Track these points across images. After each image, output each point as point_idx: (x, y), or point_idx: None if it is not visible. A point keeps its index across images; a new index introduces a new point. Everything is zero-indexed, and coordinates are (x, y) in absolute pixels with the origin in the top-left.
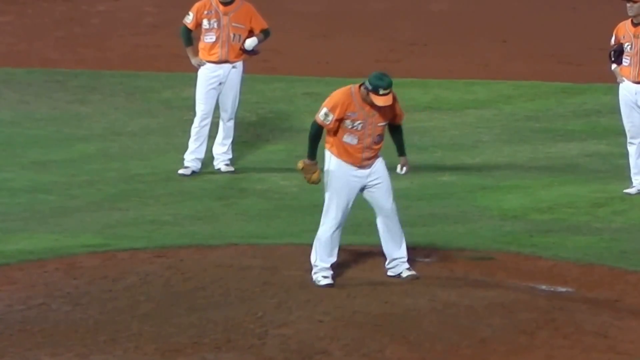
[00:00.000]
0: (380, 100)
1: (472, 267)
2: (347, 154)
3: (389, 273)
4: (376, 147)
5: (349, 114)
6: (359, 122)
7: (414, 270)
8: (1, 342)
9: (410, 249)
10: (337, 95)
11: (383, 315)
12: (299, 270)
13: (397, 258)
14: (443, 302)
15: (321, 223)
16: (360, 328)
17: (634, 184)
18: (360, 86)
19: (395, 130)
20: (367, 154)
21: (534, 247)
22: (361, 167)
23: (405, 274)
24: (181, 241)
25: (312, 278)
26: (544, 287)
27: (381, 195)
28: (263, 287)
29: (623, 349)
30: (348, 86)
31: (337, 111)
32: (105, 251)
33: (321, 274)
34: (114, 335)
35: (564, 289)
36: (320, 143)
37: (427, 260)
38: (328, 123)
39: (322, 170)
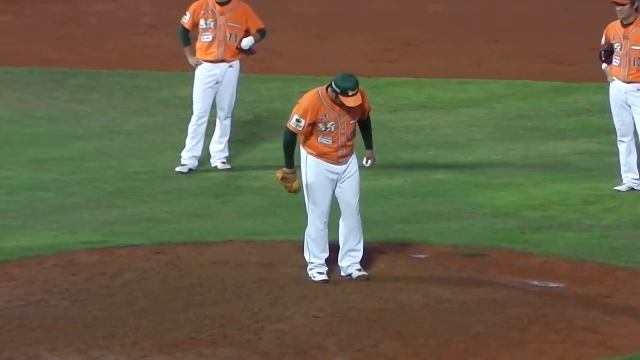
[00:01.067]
0: (350, 101)
1: (465, 263)
2: (323, 154)
3: (342, 273)
4: (349, 143)
5: (320, 117)
6: (331, 123)
7: (405, 266)
8: (0, 337)
9: (404, 246)
10: (306, 100)
11: (377, 311)
12: (294, 266)
13: (352, 250)
14: (436, 298)
15: (309, 221)
16: (355, 323)
17: (624, 182)
18: (327, 88)
19: (363, 124)
20: (342, 152)
21: (525, 243)
22: (338, 164)
23: (355, 274)
24: (178, 238)
25: (307, 274)
26: (535, 283)
27: (350, 190)
28: (259, 284)
29: (613, 344)
30: (315, 90)
31: (309, 116)
32: (103, 248)
33: (316, 270)
34: (112, 331)
35: (555, 285)
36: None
37: (420, 256)
38: (301, 129)
39: (299, 167)
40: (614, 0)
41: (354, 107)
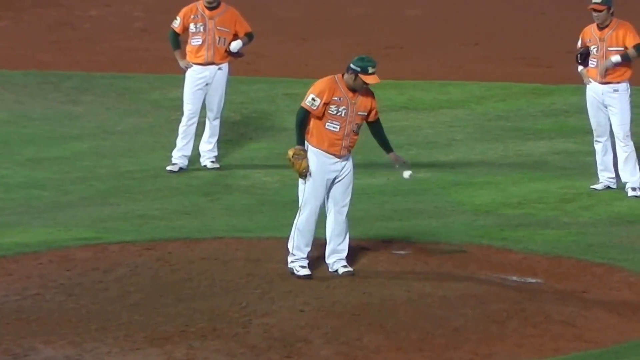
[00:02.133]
0: (370, 79)
1: (446, 259)
2: (328, 143)
3: (330, 269)
4: (354, 137)
5: (334, 99)
6: (343, 107)
7: (387, 262)
8: None
9: (387, 242)
10: (323, 82)
11: (361, 305)
12: (281, 262)
13: (337, 250)
14: (418, 292)
15: (300, 212)
16: (340, 317)
17: (600, 180)
18: (343, 75)
19: (375, 127)
20: (346, 142)
21: (504, 240)
22: (340, 157)
23: (341, 270)
24: (169, 235)
25: (288, 266)
26: (514, 278)
27: (343, 190)
28: (247, 279)
29: (589, 337)
30: (331, 76)
31: (325, 95)
32: (96, 244)
33: (299, 264)
34: (105, 324)
35: (533, 281)
36: None
37: (402, 253)
38: (315, 108)
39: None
40: (592, 7)
41: (365, 97)
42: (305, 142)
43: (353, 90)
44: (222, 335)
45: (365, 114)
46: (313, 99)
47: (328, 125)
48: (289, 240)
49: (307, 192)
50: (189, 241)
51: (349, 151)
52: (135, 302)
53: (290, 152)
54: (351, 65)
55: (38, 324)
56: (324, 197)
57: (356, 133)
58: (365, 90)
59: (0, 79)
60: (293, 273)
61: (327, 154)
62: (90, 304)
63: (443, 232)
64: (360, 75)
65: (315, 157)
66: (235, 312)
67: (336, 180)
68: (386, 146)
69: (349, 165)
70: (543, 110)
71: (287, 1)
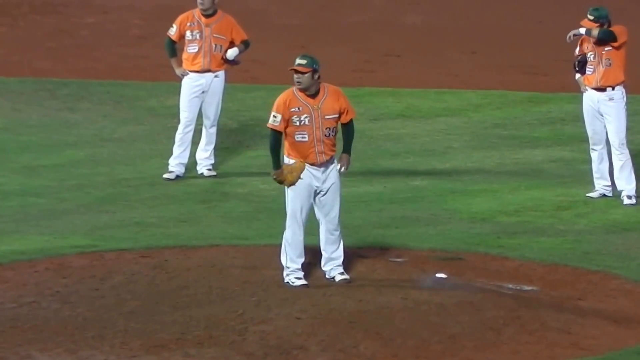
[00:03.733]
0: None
1: (442, 267)
2: (302, 154)
3: (326, 276)
4: (327, 140)
5: (293, 110)
6: (305, 115)
7: (384, 270)
8: None
9: (383, 250)
10: (279, 97)
11: (357, 312)
12: (277, 269)
13: (333, 259)
14: (414, 300)
15: (287, 225)
16: (336, 325)
17: (596, 189)
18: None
19: (345, 129)
20: (320, 148)
21: (501, 248)
22: (320, 165)
23: (338, 278)
24: (165, 242)
25: (284, 280)
26: (510, 286)
27: (330, 201)
28: (243, 286)
29: (585, 344)
30: (289, 88)
31: (281, 109)
32: (93, 252)
33: (294, 276)
34: (101, 332)
35: (529, 288)
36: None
37: (399, 260)
38: (277, 124)
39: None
40: (587, 19)
41: (326, 100)
42: (286, 157)
43: (313, 95)
44: (219, 342)
45: (336, 116)
46: (274, 116)
47: (297, 137)
48: (281, 255)
49: (291, 203)
50: (186, 249)
51: (330, 157)
52: (132, 310)
53: (274, 177)
54: None
55: (34, 332)
56: (309, 207)
57: (329, 136)
58: (332, 92)
59: None
60: (289, 284)
61: (306, 164)
62: (86, 312)
63: (439, 239)
64: (290, 69)
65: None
66: (231, 319)
67: (321, 192)
68: (346, 146)
69: (332, 175)
70: (539, 119)
71: (285, 8)
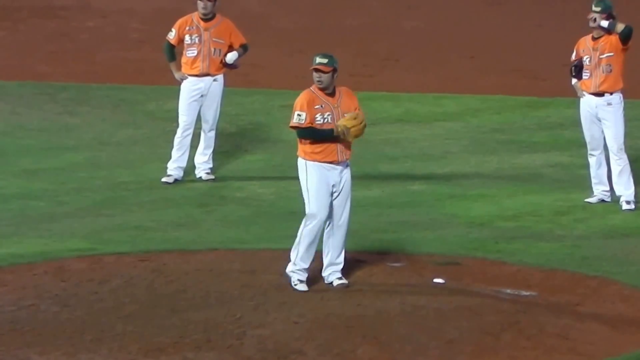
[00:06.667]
0: (316, 67)
1: (441, 272)
2: (323, 153)
3: (325, 281)
4: (348, 145)
5: (316, 107)
6: (327, 114)
7: (382, 274)
8: None
9: (382, 254)
10: (300, 97)
11: (355, 317)
12: (275, 274)
13: (334, 264)
14: (412, 304)
15: (306, 224)
16: (334, 329)
17: (594, 194)
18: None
19: None
20: (340, 146)
21: (499, 253)
22: (339, 163)
23: (336, 283)
24: (164, 246)
25: (288, 275)
26: (508, 291)
27: (342, 203)
28: (241, 290)
29: (583, 350)
30: (305, 90)
31: (306, 108)
32: (92, 255)
33: (297, 277)
34: (99, 335)
35: (527, 293)
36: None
37: (397, 265)
38: (303, 122)
39: (297, 179)
40: (593, 11)
41: (343, 97)
42: (300, 159)
43: (331, 94)
44: (217, 346)
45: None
46: (299, 115)
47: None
48: (292, 249)
49: (313, 203)
50: (184, 252)
51: (348, 156)
52: (130, 313)
53: (345, 125)
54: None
55: (33, 335)
56: (328, 202)
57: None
58: (345, 91)
59: None
60: (290, 283)
61: (324, 164)
62: (85, 315)
63: (438, 244)
64: (311, 69)
65: (313, 169)
66: (229, 323)
67: (335, 193)
68: None
69: (348, 179)
70: (538, 123)
71: (284, 12)
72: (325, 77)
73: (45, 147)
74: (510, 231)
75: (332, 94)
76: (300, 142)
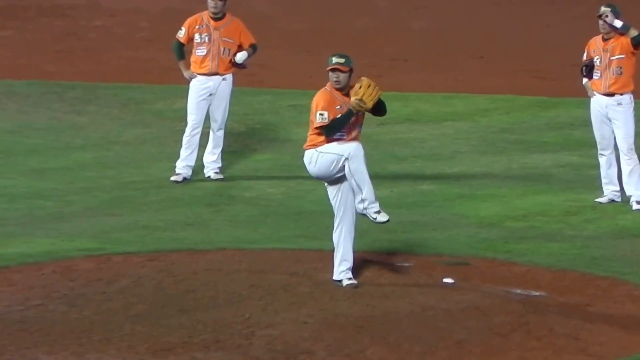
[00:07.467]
0: (332, 67)
1: (450, 272)
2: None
3: (334, 278)
4: (358, 136)
5: (337, 108)
6: None
7: (391, 274)
8: (0, 340)
9: (391, 255)
10: (318, 97)
11: (364, 317)
12: (284, 273)
13: (344, 259)
14: (421, 305)
15: (339, 225)
16: (343, 329)
17: (604, 194)
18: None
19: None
20: (352, 135)
21: (508, 253)
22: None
23: (345, 282)
24: (172, 246)
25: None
26: (518, 291)
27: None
28: (250, 290)
29: (593, 351)
30: (321, 90)
31: (327, 107)
32: (100, 255)
33: (348, 276)
34: (108, 335)
35: (537, 294)
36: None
37: (406, 265)
38: (327, 122)
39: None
40: (601, 14)
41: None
42: (308, 150)
43: (346, 94)
44: (225, 346)
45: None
46: (321, 114)
47: (337, 134)
48: (343, 256)
49: (340, 202)
50: (193, 252)
51: (358, 137)
52: (139, 313)
53: (359, 108)
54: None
55: (41, 335)
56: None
57: (359, 132)
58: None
59: (4, 88)
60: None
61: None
62: (93, 315)
63: (447, 244)
64: (328, 70)
65: (323, 149)
66: (238, 323)
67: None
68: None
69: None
70: (548, 123)
71: (292, 13)
72: (342, 77)
73: (53, 147)
74: (519, 231)
75: (347, 94)
76: (317, 135)
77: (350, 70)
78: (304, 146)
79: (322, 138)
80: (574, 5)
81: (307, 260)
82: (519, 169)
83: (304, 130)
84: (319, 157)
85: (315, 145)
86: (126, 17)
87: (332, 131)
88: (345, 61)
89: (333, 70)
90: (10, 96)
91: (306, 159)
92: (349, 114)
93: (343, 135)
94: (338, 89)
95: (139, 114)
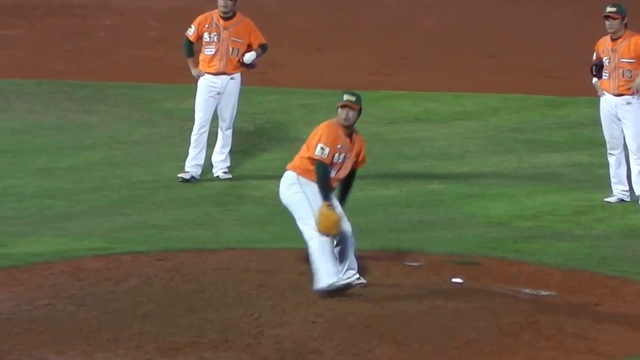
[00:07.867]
0: (343, 103)
1: (459, 271)
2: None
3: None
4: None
5: (338, 147)
6: (343, 155)
7: (400, 274)
8: (9, 340)
9: (400, 254)
10: (324, 128)
11: (373, 316)
12: (293, 273)
13: (349, 267)
14: (431, 304)
15: (309, 238)
16: (352, 329)
17: (614, 193)
18: (336, 120)
19: (351, 175)
20: (335, 184)
21: (518, 252)
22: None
23: (355, 282)
24: (181, 245)
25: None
26: (527, 291)
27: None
28: (259, 290)
29: (603, 350)
30: (329, 121)
31: (330, 143)
32: (109, 254)
33: (356, 276)
34: (116, 335)
35: (546, 293)
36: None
37: (415, 264)
38: (326, 156)
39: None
40: (607, 15)
41: (356, 143)
42: (291, 171)
43: (349, 135)
44: (234, 346)
45: (355, 160)
46: (322, 149)
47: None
48: (330, 275)
49: (307, 208)
50: (201, 252)
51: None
52: (147, 313)
53: (324, 209)
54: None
55: (49, 334)
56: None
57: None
58: (360, 140)
59: (14, 87)
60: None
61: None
62: (101, 314)
63: (456, 244)
64: (338, 106)
65: (306, 180)
66: (247, 323)
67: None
68: (343, 198)
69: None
70: (557, 123)
71: (302, 11)
72: (352, 115)
73: (62, 146)
74: (529, 231)
75: (349, 135)
76: (309, 164)
77: (360, 110)
78: (289, 166)
79: (312, 170)
80: (585, 4)
81: None
82: (528, 169)
83: (313, 129)
84: (297, 191)
85: (301, 174)
86: (135, 16)
87: (319, 173)
88: (356, 99)
89: (343, 106)
90: (20, 95)
91: (286, 181)
92: (325, 195)
93: (332, 173)
94: (345, 126)
95: (148, 113)
